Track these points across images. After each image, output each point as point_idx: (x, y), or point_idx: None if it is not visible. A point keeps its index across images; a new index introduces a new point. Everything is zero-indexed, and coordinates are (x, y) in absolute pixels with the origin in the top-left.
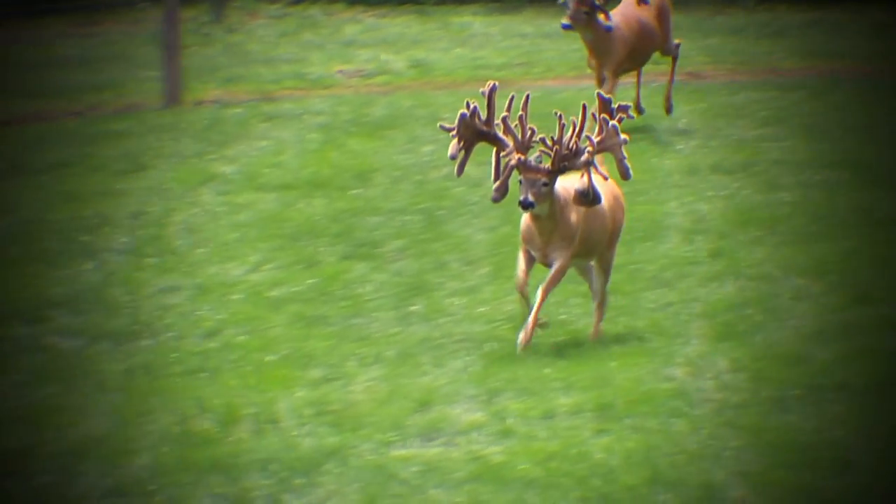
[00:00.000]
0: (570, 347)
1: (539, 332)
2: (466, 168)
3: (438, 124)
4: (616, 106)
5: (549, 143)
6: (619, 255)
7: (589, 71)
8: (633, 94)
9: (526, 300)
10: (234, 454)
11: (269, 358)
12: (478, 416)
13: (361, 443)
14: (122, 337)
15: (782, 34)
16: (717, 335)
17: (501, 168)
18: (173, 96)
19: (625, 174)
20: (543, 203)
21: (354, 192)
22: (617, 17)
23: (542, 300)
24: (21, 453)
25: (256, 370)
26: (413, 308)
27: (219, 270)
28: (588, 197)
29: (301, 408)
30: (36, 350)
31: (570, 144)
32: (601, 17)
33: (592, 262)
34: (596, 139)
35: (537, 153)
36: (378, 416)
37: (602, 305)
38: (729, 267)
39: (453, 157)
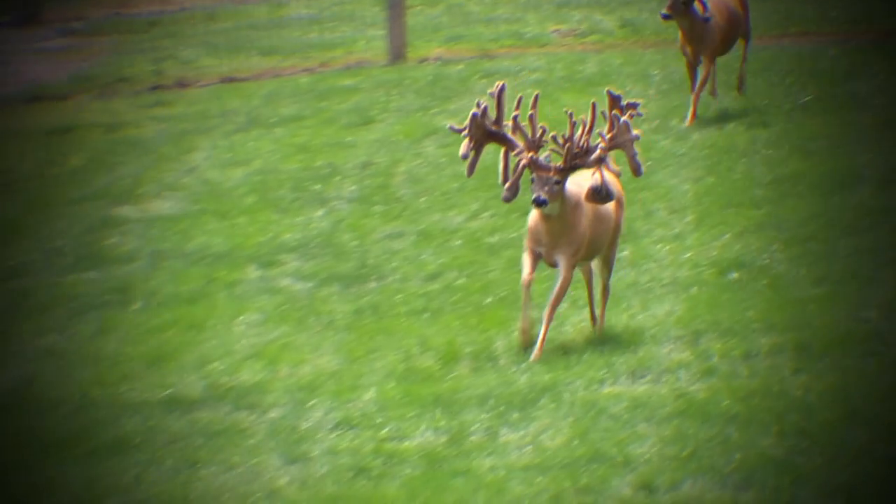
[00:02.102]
0: (769, 290)
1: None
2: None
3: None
4: (626, 103)
5: (560, 141)
6: (816, 205)
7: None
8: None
9: (528, 296)
10: (454, 390)
11: (487, 300)
12: (683, 355)
13: (574, 380)
14: (350, 279)
15: None
16: None
17: (511, 167)
18: (398, 54)
19: (636, 170)
20: (555, 202)
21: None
22: (711, 5)
23: (550, 318)
24: (257, 388)
25: (476, 311)
26: (622, 254)
27: (441, 218)
28: (601, 194)
29: (517, 346)
30: (270, 292)
31: (581, 142)
32: (698, 6)
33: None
34: (608, 136)
35: (547, 153)
36: (590, 355)
37: (606, 296)
38: None
39: (465, 157)
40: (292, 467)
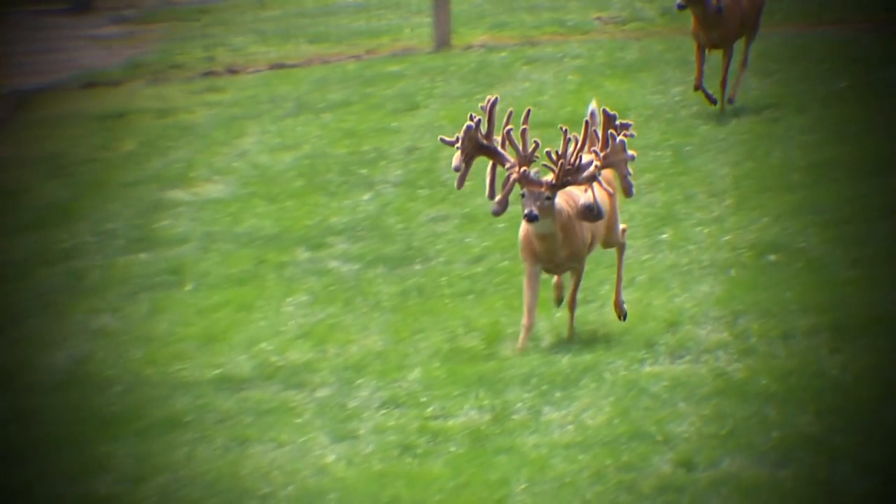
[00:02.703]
0: (806, 272)
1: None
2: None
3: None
4: (620, 122)
5: (553, 157)
6: (852, 188)
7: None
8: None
9: (528, 334)
10: (498, 369)
11: None
12: (722, 336)
13: (615, 360)
14: (396, 261)
15: None
16: None
17: (501, 182)
18: (443, 41)
19: (628, 191)
20: (546, 218)
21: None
22: None
23: (573, 312)
24: (305, 367)
25: (519, 293)
26: (662, 236)
27: (484, 201)
28: (593, 212)
29: (560, 327)
30: (318, 273)
31: (574, 159)
32: None
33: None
34: (602, 154)
35: (537, 168)
36: (630, 335)
37: (622, 254)
38: None
39: (457, 169)
40: (340, 445)
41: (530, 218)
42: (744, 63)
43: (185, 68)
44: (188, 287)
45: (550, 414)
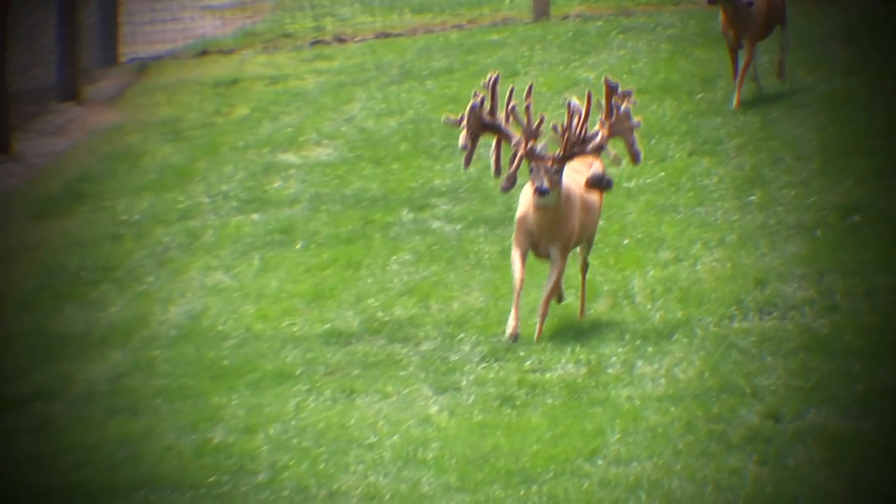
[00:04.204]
0: (888, 233)
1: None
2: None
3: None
4: (622, 91)
5: (559, 130)
6: None
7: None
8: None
9: (519, 296)
10: (593, 325)
11: (625, 241)
12: (808, 293)
13: (706, 316)
14: (496, 222)
15: None
16: None
17: (506, 158)
18: (542, 11)
19: (635, 158)
20: (555, 190)
21: (700, 95)
22: None
23: (545, 312)
24: (410, 322)
25: (614, 251)
26: (751, 198)
27: None
28: (602, 182)
29: (653, 285)
30: (422, 233)
31: (579, 130)
32: None
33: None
34: (607, 123)
35: (543, 142)
36: (720, 293)
37: (585, 271)
38: None
39: (464, 148)
40: (442, 396)
41: (542, 191)
42: (781, 46)
43: (295, 37)
44: (298, 246)
45: (643, 368)
